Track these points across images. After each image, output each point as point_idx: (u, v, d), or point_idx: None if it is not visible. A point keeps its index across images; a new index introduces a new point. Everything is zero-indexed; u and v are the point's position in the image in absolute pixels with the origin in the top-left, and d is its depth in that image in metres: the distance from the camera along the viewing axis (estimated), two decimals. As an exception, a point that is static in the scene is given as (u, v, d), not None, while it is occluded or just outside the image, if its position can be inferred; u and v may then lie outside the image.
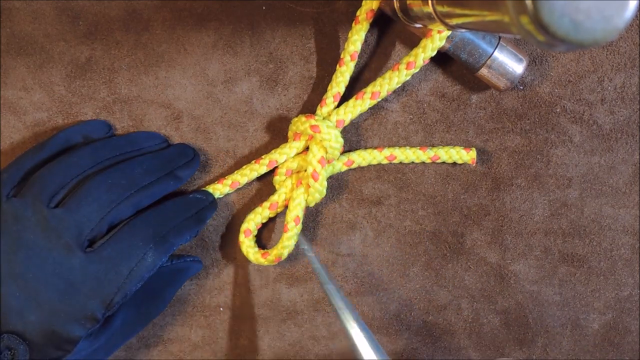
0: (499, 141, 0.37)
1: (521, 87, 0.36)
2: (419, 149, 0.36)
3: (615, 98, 0.36)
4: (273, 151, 0.36)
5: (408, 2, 0.30)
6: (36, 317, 0.31)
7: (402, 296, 0.39)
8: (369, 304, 0.39)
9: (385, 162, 0.36)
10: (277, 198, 0.36)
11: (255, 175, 0.36)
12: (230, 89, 0.36)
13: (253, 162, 0.36)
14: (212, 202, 0.36)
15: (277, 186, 0.37)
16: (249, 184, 0.38)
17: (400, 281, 0.38)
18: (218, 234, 0.38)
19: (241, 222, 0.38)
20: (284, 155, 0.36)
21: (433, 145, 0.37)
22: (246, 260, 0.38)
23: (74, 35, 0.36)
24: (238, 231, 0.38)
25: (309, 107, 0.37)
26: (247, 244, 0.37)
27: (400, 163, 0.37)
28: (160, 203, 0.35)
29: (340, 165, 0.36)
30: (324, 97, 0.35)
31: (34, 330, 0.31)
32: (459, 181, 0.37)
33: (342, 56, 0.34)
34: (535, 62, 0.36)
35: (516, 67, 0.33)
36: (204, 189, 0.37)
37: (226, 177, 0.37)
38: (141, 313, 0.36)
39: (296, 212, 0.36)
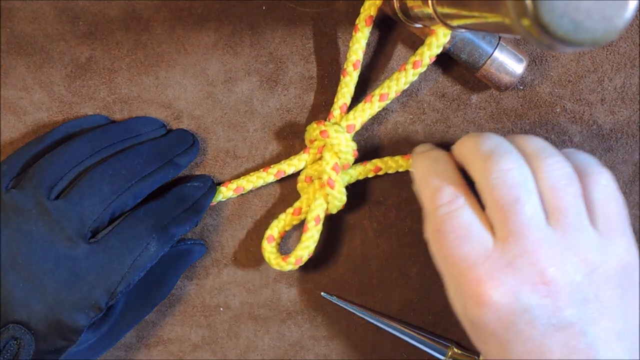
0: (499, 141, 0.37)
1: (521, 87, 0.36)
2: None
3: (615, 98, 0.36)
4: (282, 162, 0.36)
5: (409, 3, 0.30)
6: (41, 307, 0.31)
7: (402, 296, 0.39)
8: (369, 304, 0.39)
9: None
10: (300, 204, 0.36)
11: (261, 183, 0.36)
12: (230, 89, 0.36)
13: (261, 170, 0.36)
14: (210, 187, 0.36)
15: (301, 193, 0.36)
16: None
17: (400, 281, 0.38)
18: (218, 234, 0.38)
19: (241, 221, 0.38)
20: (292, 167, 0.36)
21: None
22: (246, 260, 0.38)
23: (74, 35, 0.36)
24: (238, 230, 0.38)
25: (309, 107, 0.37)
26: (268, 251, 0.36)
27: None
28: (160, 193, 0.35)
29: (356, 173, 0.36)
30: (331, 109, 0.35)
31: (38, 320, 0.31)
32: (459, 181, 0.37)
33: (344, 66, 0.34)
34: (535, 62, 0.36)
35: (516, 67, 0.33)
36: (203, 175, 0.37)
37: (231, 181, 0.37)
38: (143, 299, 0.36)
39: (317, 212, 0.35)
